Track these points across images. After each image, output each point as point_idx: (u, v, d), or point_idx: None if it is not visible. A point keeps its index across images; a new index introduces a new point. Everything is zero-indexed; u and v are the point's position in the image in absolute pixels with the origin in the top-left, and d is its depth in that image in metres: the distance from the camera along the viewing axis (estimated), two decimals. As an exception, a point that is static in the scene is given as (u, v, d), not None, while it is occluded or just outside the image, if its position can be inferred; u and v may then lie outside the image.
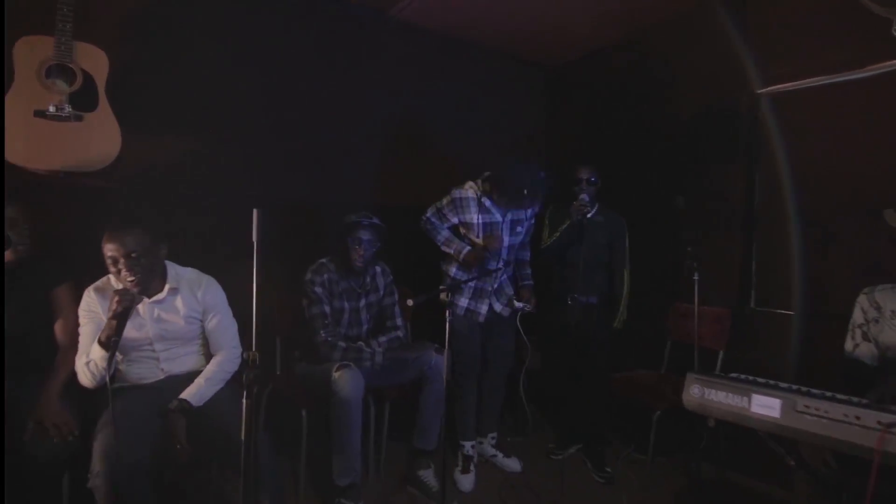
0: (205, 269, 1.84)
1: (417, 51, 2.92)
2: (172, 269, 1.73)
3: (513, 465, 2.39)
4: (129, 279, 1.55)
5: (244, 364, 1.11)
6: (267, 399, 2.17)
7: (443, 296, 1.64)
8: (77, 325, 1.62)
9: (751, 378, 1.56)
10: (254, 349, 1.14)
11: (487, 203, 2.23)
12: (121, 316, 1.47)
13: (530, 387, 2.64)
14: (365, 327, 2.21)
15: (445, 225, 2.30)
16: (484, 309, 2.30)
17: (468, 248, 2.24)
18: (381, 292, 2.25)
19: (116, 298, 1.46)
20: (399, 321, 2.25)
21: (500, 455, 2.42)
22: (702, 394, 1.56)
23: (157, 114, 2.09)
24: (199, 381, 1.65)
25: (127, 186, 2.00)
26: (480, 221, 2.23)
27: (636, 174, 2.81)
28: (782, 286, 2.34)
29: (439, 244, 2.31)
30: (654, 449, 2.21)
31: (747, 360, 2.33)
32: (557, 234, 2.35)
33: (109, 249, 1.54)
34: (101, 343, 1.49)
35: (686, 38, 2.71)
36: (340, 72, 2.65)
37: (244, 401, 1.10)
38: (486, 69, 3.21)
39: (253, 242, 1.23)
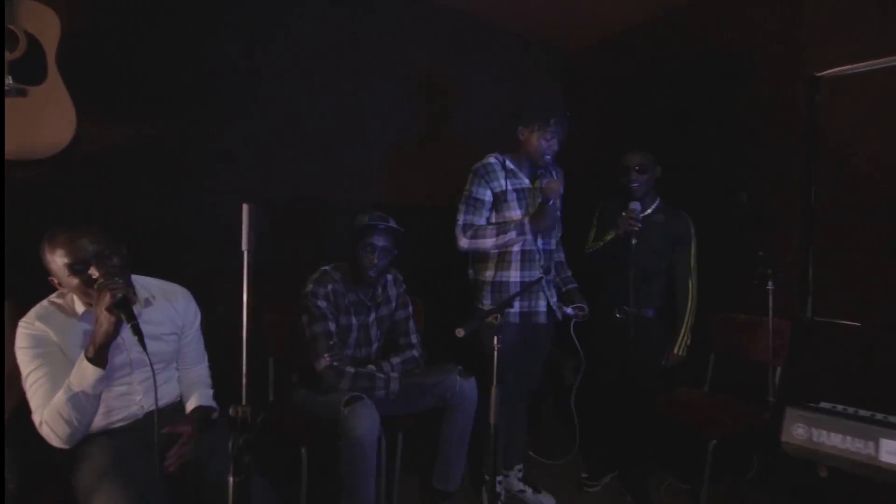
0: (180, 277, 1.52)
1: (429, 29, 2.61)
2: (134, 279, 1.40)
3: (545, 501, 2.08)
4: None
5: (231, 422, 0.77)
6: (259, 427, 1.83)
7: (491, 319, 1.30)
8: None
9: (872, 415, 1.25)
10: (244, 399, 0.80)
11: (512, 165, 1.92)
12: (122, 305, 1.15)
13: (560, 406, 2.33)
14: (375, 346, 1.88)
15: (484, 214, 1.91)
16: (543, 306, 1.94)
17: (525, 218, 1.85)
18: (394, 304, 1.92)
19: (108, 290, 1.16)
20: (414, 338, 1.92)
21: (529, 490, 2.10)
22: (809, 435, 1.25)
23: (122, 90, 1.75)
24: (199, 391, 1.48)
25: (83, 179, 1.65)
26: (510, 187, 1.89)
27: (671, 167, 2.52)
28: (845, 293, 2.07)
29: (493, 243, 1.86)
30: (697, 479, 1.92)
31: (807, 377, 2.05)
32: (601, 243, 2.05)
33: (66, 255, 1.21)
34: (91, 359, 1.18)
35: (730, 17, 2.43)
36: (343, 50, 2.33)
37: (230, 478, 0.76)
38: (501, 53, 2.91)
39: (241, 245, 0.91)
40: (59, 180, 1.58)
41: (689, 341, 2.07)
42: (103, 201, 1.70)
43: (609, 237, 2.02)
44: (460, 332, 1.20)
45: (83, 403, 1.19)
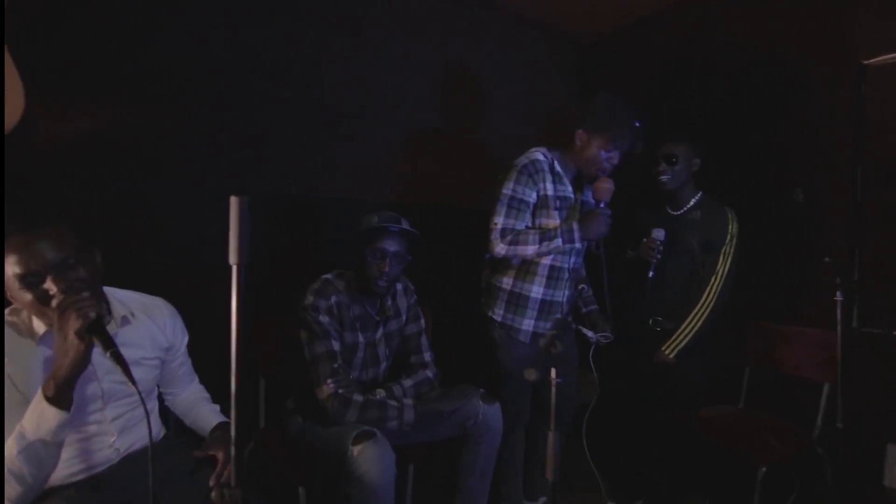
0: (158, 288, 1.28)
1: (435, 15, 2.39)
2: (108, 292, 1.17)
3: (572, 537, 1.86)
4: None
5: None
6: (247, 460, 1.58)
7: (552, 347, 1.06)
8: None
9: None
10: (233, 471, 0.56)
11: (559, 168, 1.67)
12: (95, 328, 0.94)
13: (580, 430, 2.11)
14: (383, 365, 1.64)
15: (527, 219, 1.65)
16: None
17: (574, 223, 1.60)
18: (404, 317, 1.68)
19: (74, 309, 0.94)
20: (427, 356, 1.68)
21: (553, 524, 1.88)
22: (921, 480, 1.04)
23: (83, 63, 1.48)
24: (208, 406, 1.34)
25: (44, 170, 1.39)
26: (553, 194, 1.64)
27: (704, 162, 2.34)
28: (893, 301, 1.88)
29: (535, 251, 1.61)
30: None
31: (867, 397, 1.84)
32: (627, 254, 1.89)
33: (17, 263, 0.97)
34: (50, 398, 0.95)
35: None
36: (345, 36, 2.09)
37: None
38: (511, 42, 2.70)
39: (229, 257, 0.68)
40: (10, 171, 1.31)
41: (684, 345, 1.81)
42: (69, 198, 1.44)
43: (630, 255, 1.87)
44: (532, 375, 0.97)
45: (41, 455, 0.96)
